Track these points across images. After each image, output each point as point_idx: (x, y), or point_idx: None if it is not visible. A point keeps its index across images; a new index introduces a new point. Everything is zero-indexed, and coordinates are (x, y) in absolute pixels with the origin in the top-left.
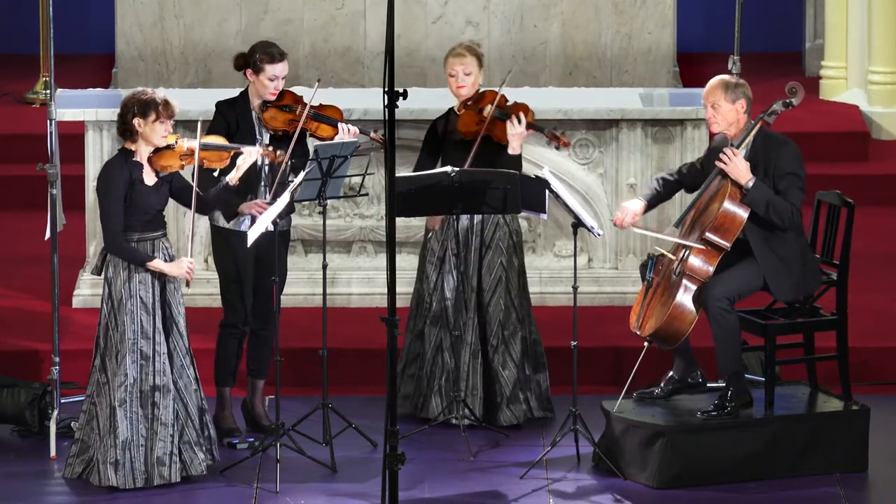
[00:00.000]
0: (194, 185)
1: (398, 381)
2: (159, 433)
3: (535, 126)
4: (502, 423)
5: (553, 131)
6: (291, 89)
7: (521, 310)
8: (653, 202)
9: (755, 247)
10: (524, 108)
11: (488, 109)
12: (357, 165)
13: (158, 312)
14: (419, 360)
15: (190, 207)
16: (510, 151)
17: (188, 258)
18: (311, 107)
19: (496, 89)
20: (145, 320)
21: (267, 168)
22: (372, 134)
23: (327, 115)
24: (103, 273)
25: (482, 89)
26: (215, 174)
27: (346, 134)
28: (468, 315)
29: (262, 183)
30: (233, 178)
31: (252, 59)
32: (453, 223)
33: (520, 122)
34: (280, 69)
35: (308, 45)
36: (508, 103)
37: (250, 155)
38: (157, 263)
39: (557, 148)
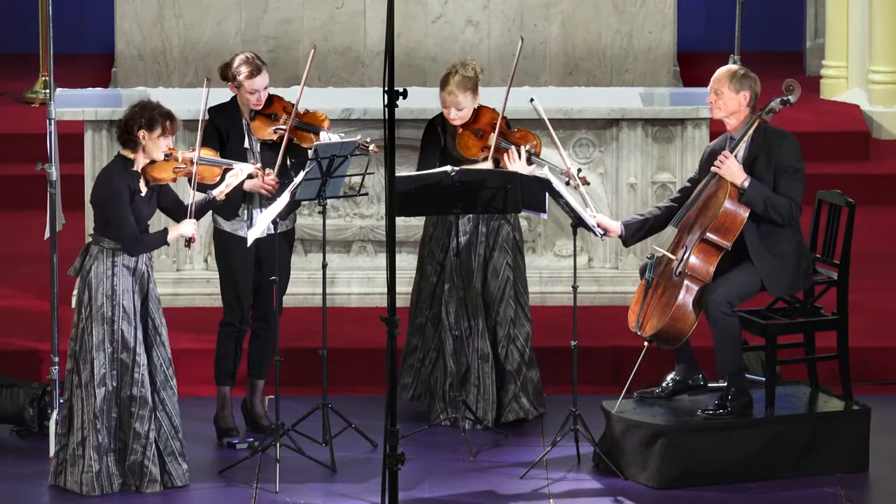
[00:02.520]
0: (194, 180)
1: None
2: (132, 443)
3: (549, 163)
4: (509, 419)
5: (569, 171)
6: (291, 89)
7: (526, 308)
8: (634, 229)
9: (751, 245)
10: (531, 139)
11: (492, 139)
12: (357, 165)
13: (139, 324)
14: (417, 352)
15: (172, 217)
16: (537, 174)
17: (191, 219)
18: (297, 114)
19: (496, 109)
20: (126, 330)
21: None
22: (358, 141)
23: (310, 124)
24: (81, 277)
25: (479, 104)
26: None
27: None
28: (476, 320)
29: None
30: (220, 192)
31: (230, 72)
32: (455, 225)
33: (520, 156)
34: (259, 82)
35: (308, 44)
36: (512, 130)
37: (241, 172)
38: (173, 232)
39: (577, 187)
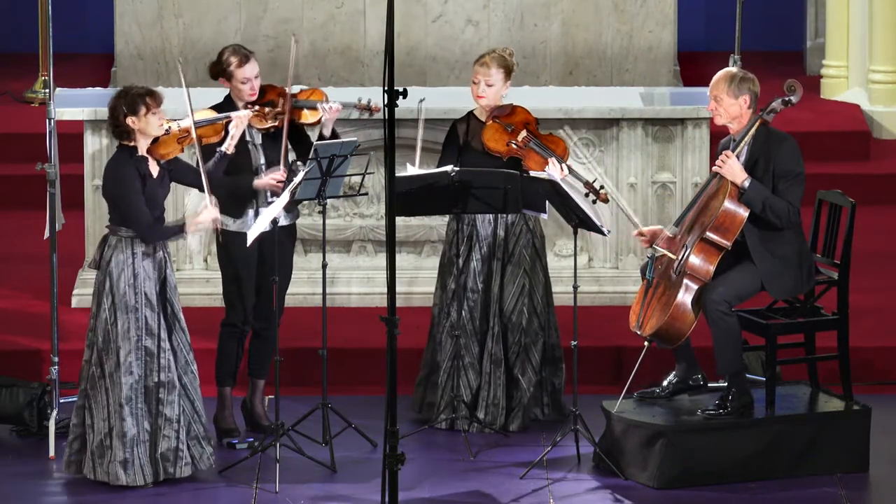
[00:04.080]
0: (198, 157)
1: (422, 389)
2: (164, 429)
3: (574, 172)
4: (513, 429)
5: (592, 183)
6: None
7: (543, 316)
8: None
9: (752, 247)
10: (562, 147)
11: (523, 135)
12: (357, 164)
13: (160, 309)
14: (440, 370)
15: (194, 186)
16: (540, 176)
17: (211, 206)
18: (292, 95)
19: (526, 108)
20: (150, 317)
21: (263, 166)
22: (357, 103)
23: (306, 100)
24: (101, 269)
25: (513, 104)
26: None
27: (328, 112)
28: (491, 325)
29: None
30: (228, 146)
31: (220, 66)
32: (474, 231)
33: (560, 169)
34: (250, 70)
35: (308, 43)
36: (541, 130)
37: (241, 120)
38: (190, 224)
39: (595, 202)
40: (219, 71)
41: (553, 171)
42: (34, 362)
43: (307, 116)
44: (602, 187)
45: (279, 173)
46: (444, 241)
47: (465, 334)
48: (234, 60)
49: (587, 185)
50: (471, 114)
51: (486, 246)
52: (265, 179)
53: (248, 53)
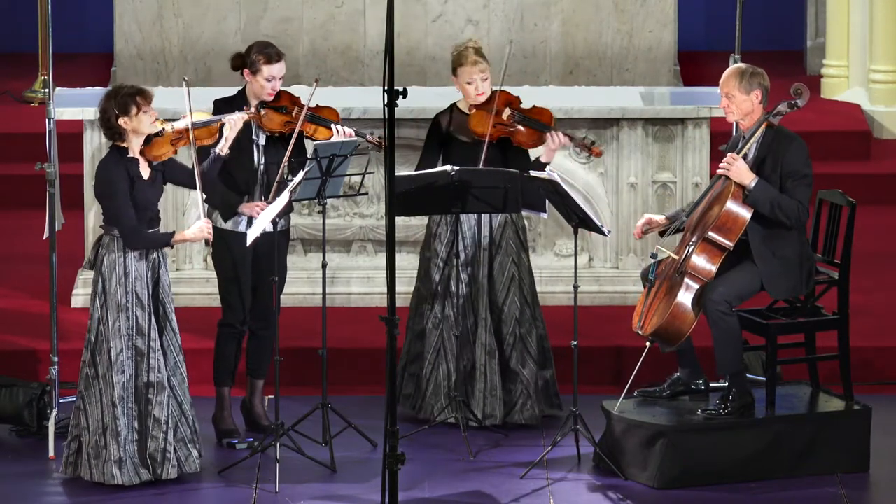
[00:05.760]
0: (194, 160)
1: (399, 380)
2: (152, 429)
3: (568, 135)
4: (520, 422)
5: (584, 141)
6: (290, 88)
7: (535, 307)
8: (676, 223)
9: (754, 247)
10: (548, 115)
11: (507, 113)
12: (357, 164)
13: (152, 310)
14: (419, 360)
15: (189, 187)
16: (543, 160)
17: (203, 219)
18: (308, 108)
19: (506, 89)
20: (140, 317)
21: (262, 168)
22: (368, 136)
23: (322, 117)
24: (96, 269)
25: (492, 88)
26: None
27: (341, 136)
28: (481, 316)
29: (259, 185)
30: (222, 147)
31: (249, 59)
32: (458, 224)
33: (559, 137)
34: (277, 69)
35: (307, 43)
36: (524, 105)
37: (235, 122)
38: (179, 235)
39: (589, 157)
40: (245, 63)
41: (552, 144)
42: (33, 362)
43: (319, 133)
44: (594, 142)
45: (263, 202)
46: (425, 233)
47: (449, 326)
48: (264, 56)
49: (579, 142)
50: (454, 106)
51: (471, 237)
52: (251, 205)
53: (280, 52)
